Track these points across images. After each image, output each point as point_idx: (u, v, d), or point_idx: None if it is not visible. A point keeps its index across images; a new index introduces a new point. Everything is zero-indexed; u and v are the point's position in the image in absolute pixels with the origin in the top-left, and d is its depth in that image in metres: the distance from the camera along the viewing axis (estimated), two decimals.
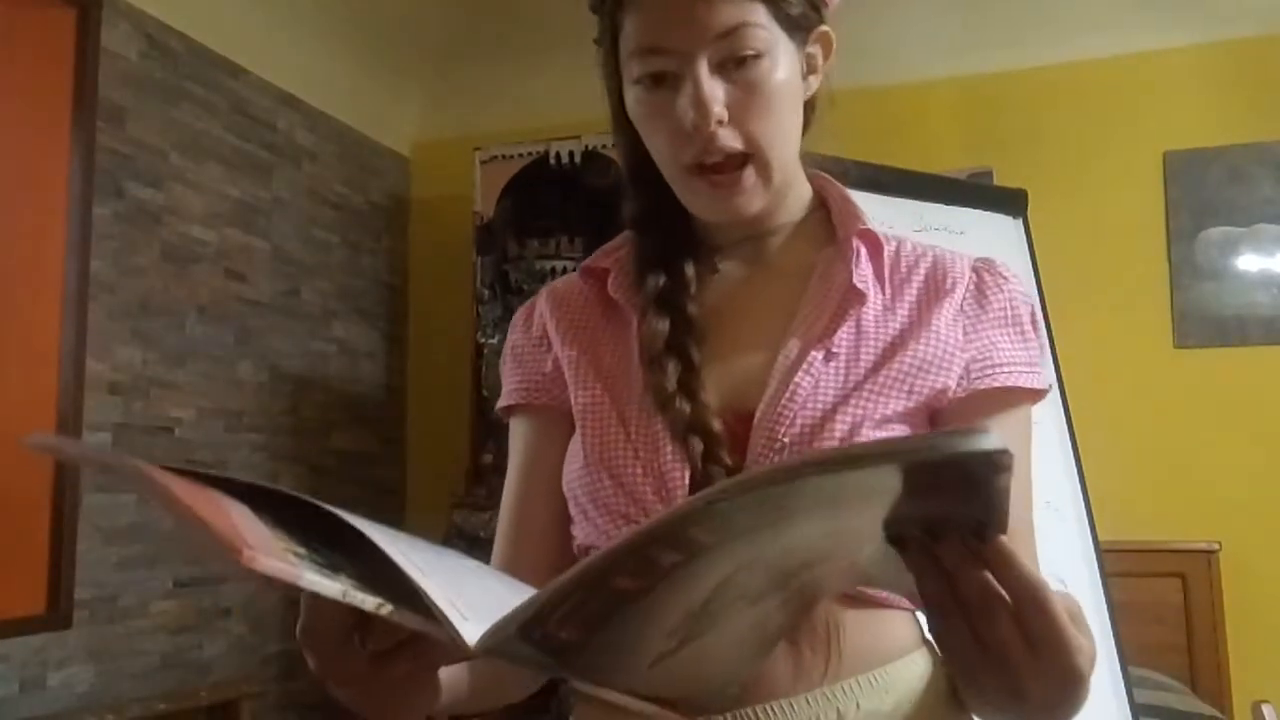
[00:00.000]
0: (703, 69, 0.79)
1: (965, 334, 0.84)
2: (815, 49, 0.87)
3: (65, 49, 2.56)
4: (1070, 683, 0.57)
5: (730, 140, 0.80)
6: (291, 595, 0.54)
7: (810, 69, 0.87)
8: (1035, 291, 2.31)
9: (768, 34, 0.80)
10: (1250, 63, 3.17)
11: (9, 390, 2.40)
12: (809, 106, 0.89)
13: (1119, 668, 2.00)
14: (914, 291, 0.86)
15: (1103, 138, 3.27)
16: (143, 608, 2.74)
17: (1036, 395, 0.85)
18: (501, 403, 0.96)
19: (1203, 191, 3.18)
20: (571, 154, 3.44)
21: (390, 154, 3.96)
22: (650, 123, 0.84)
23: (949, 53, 3.39)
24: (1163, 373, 3.15)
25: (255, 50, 3.22)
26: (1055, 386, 2.23)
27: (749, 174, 0.82)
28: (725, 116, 0.80)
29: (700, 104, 0.79)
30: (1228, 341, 3.12)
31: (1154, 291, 3.18)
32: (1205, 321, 3.14)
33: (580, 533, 0.86)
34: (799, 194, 0.91)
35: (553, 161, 3.46)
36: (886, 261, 0.87)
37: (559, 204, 3.44)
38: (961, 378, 0.82)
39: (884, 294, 0.86)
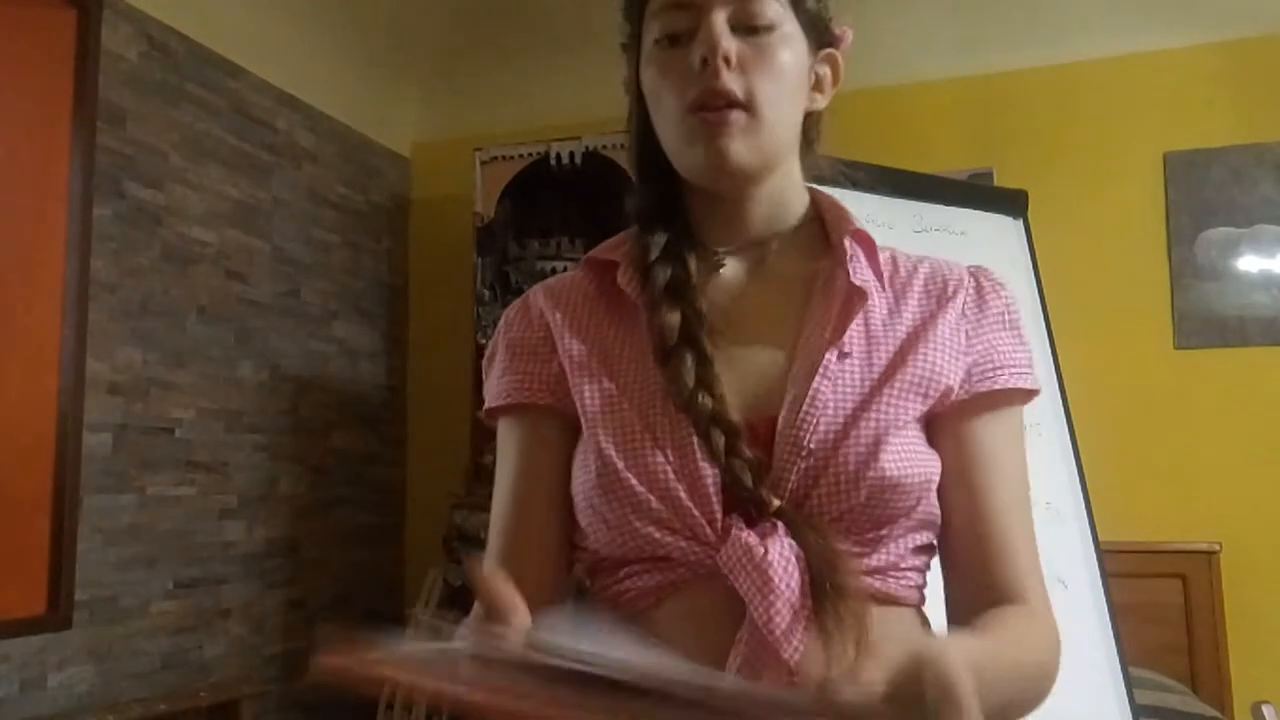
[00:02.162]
0: (719, 19, 0.83)
1: (967, 337, 0.87)
2: (825, 70, 0.91)
3: (66, 49, 2.56)
4: None
5: (733, 84, 0.83)
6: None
7: (817, 85, 0.91)
8: (1035, 292, 2.31)
9: (782, 13, 0.85)
10: (1250, 63, 3.17)
11: (9, 390, 2.40)
12: (811, 119, 0.91)
13: (1119, 668, 2.00)
14: (916, 296, 0.88)
15: (1103, 138, 3.27)
16: (143, 608, 2.73)
17: (1029, 395, 0.89)
18: (496, 401, 0.91)
19: (1203, 192, 3.18)
20: (572, 155, 3.44)
21: (390, 154, 3.96)
22: (662, 79, 0.86)
23: (949, 53, 3.39)
24: (1163, 373, 3.14)
25: (255, 50, 3.22)
26: (1056, 386, 2.22)
27: (739, 115, 0.84)
28: (734, 60, 0.83)
29: (711, 43, 0.83)
30: (1228, 342, 3.12)
31: (1154, 292, 3.18)
32: (1205, 322, 3.14)
33: (596, 542, 0.83)
34: (797, 200, 0.92)
35: (553, 162, 3.46)
36: (885, 266, 0.89)
37: (559, 205, 3.44)
38: (964, 381, 0.85)
39: (887, 296, 0.88)
